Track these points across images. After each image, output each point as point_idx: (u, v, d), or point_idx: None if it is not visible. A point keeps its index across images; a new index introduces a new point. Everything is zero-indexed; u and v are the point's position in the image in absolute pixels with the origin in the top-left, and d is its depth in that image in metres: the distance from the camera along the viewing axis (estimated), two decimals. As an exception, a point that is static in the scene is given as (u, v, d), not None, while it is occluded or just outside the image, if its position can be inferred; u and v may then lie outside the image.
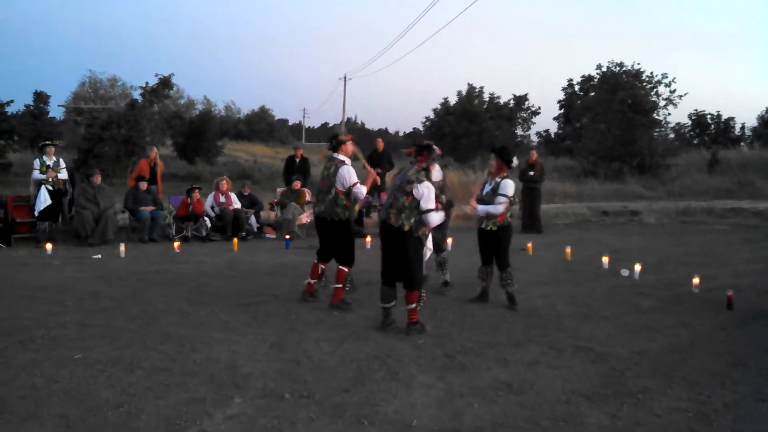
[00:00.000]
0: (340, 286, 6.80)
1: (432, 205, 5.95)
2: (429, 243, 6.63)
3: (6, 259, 9.73)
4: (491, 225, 6.98)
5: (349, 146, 6.98)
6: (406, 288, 6.00)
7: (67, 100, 36.51)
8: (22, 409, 4.05)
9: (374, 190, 14.25)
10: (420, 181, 5.92)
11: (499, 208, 6.88)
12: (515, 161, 7.19)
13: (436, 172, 7.32)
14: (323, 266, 7.12)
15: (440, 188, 7.28)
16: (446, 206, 7.32)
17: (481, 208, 6.95)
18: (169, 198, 13.14)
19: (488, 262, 7.23)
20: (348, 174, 6.72)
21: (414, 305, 5.96)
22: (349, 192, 6.74)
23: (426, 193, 5.89)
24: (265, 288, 7.82)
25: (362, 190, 6.75)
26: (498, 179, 6.96)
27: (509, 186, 6.92)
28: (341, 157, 6.87)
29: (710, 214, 17.68)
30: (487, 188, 7.05)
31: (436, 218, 6.01)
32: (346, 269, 6.80)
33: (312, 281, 7.15)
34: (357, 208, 7.02)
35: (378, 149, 15.12)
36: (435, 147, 6.21)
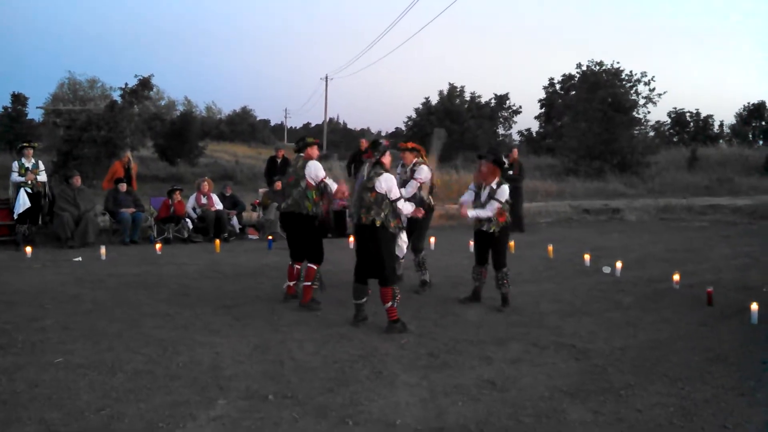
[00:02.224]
0: (309, 284, 6.82)
1: (398, 193, 6.12)
2: (404, 236, 6.68)
3: (-16, 262, 9.61)
4: (494, 227, 6.98)
5: (315, 150, 7.09)
6: (382, 284, 6.05)
7: (45, 102, 36.16)
8: (3, 414, 4.01)
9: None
10: (378, 175, 6.05)
11: (488, 212, 6.93)
12: (505, 161, 7.39)
13: (426, 171, 7.44)
14: (298, 266, 7.13)
15: (428, 188, 7.47)
16: (426, 207, 7.43)
17: (472, 213, 7.01)
18: (150, 199, 13.05)
19: (483, 262, 7.24)
20: (316, 168, 6.83)
21: (390, 303, 5.99)
22: (319, 186, 6.82)
23: (387, 185, 6.04)
24: (248, 289, 7.80)
25: (333, 186, 6.84)
26: (494, 185, 6.98)
27: (505, 192, 6.98)
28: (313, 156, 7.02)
29: (690, 211, 17.88)
30: (485, 194, 7.03)
31: (407, 206, 6.21)
32: (315, 267, 6.83)
33: (291, 284, 7.17)
34: (328, 205, 7.13)
35: (361, 149, 15.09)
36: (381, 141, 6.43)
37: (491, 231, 7.00)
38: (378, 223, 5.98)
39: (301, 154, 7.01)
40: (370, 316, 6.36)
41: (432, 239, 8.17)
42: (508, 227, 7.18)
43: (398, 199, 6.11)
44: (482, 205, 6.98)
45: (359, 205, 6.10)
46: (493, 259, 7.09)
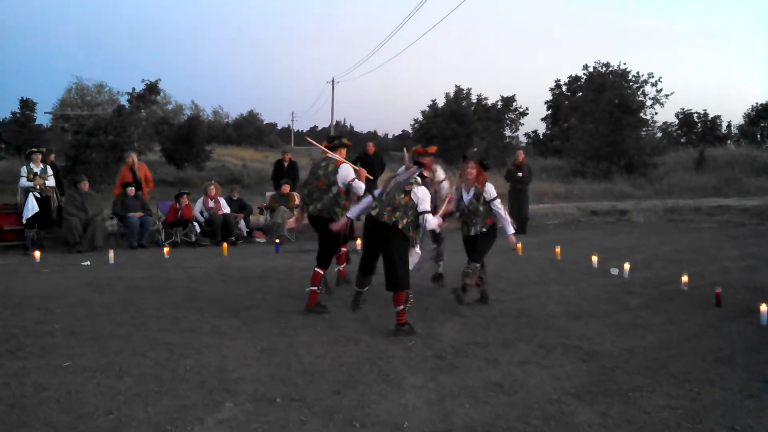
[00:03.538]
0: (315, 288, 6.79)
1: (429, 206, 6.08)
2: (417, 248, 6.63)
3: (-7, 267, 9.66)
4: (480, 228, 6.99)
5: (344, 152, 7.13)
6: (391, 289, 6.04)
7: (53, 107, 36.41)
8: (11, 418, 4.03)
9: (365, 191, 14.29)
10: (419, 184, 6.10)
11: (507, 217, 7.00)
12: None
13: (441, 172, 7.65)
14: (324, 272, 6.92)
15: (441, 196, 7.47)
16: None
17: (509, 230, 7.04)
18: (157, 203, 13.09)
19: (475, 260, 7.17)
20: (347, 171, 6.81)
21: (401, 307, 5.98)
22: (348, 190, 6.81)
23: (423, 195, 6.06)
24: (255, 292, 7.81)
25: (361, 186, 6.79)
26: (479, 185, 6.96)
27: (494, 189, 6.99)
28: (338, 156, 6.98)
29: (698, 212, 17.80)
30: (468, 196, 7.04)
31: (433, 221, 6.14)
32: (322, 272, 6.79)
33: (341, 267, 7.40)
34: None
35: (369, 152, 15.16)
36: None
37: (479, 232, 7.01)
38: (399, 226, 5.98)
39: (332, 155, 6.96)
40: (376, 318, 6.37)
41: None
42: (495, 227, 7.09)
43: (427, 212, 6.05)
44: (468, 207, 6.99)
45: (387, 203, 6.08)
46: (473, 252, 7.05)
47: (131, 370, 4.93)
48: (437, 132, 37.38)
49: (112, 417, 4.05)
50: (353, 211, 6.51)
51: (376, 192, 6.36)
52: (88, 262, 9.99)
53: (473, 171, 6.99)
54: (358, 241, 11.12)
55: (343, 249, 7.45)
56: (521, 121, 43.01)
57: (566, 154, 31.68)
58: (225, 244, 11.32)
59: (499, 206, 6.94)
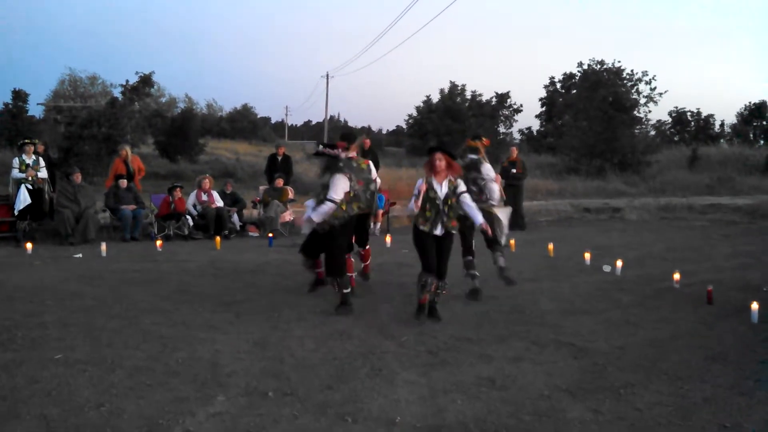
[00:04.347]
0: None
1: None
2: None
3: (-15, 258, 9.61)
4: (450, 228, 6.39)
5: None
6: (364, 246, 7.59)
7: (46, 99, 36.19)
8: (2, 410, 4.01)
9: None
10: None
11: (476, 207, 6.56)
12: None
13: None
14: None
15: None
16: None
17: (478, 219, 6.47)
18: (150, 196, 13.05)
19: (435, 270, 6.43)
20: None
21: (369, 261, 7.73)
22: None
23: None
24: (248, 286, 7.80)
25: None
26: (452, 178, 6.41)
27: (463, 183, 6.55)
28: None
29: (690, 210, 17.87)
30: (443, 189, 6.36)
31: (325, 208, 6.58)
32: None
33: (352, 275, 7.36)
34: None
35: (364, 147, 15.11)
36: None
37: (445, 234, 6.37)
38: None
39: (360, 159, 7.15)
40: (369, 314, 6.36)
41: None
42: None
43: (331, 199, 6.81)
44: (446, 201, 6.32)
45: (366, 196, 6.87)
46: (442, 265, 6.42)
47: (123, 362, 4.92)
48: (432, 128, 37.47)
49: (103, 410, 4.04)
50: (319, 215, 6.58)
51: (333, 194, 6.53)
52: (81, 255, 9.94)
53: (442, 163, 6.38)
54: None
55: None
56: (515, 117, 43.23)
57: (560, 151, 31.77)
58: (218, 238, 11.29)
59: (468, 198, 6.46)
